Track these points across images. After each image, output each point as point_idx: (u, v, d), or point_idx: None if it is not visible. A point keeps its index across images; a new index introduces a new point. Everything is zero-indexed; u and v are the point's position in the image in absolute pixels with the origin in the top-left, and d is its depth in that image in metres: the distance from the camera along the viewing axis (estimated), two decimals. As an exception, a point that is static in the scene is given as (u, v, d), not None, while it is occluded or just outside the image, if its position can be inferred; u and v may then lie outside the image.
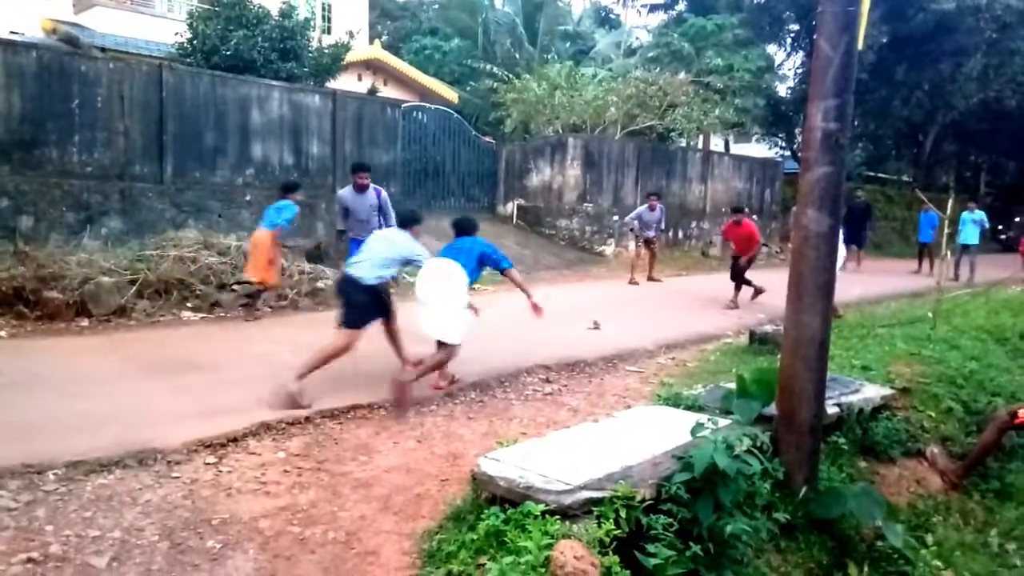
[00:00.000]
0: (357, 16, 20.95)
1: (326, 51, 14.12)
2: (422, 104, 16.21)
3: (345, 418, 4.82)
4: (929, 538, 4.31)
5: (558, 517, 2.98)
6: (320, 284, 9.36)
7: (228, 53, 12.13)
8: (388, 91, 19.82)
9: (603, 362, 6.98)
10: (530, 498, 3.08)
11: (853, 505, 3.77)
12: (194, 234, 9.36)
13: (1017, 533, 4.83)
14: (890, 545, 3.90)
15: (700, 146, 21.67)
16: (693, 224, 18.04)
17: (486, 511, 3.14)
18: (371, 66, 20.04)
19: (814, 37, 3.97)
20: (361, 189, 8.00)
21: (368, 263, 5.35)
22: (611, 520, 2.99)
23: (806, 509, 3.83)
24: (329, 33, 19.09)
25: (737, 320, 9.33)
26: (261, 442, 4.44)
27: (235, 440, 4.39)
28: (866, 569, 3.85)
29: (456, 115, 16.02)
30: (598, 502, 3.11)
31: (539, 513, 2.96)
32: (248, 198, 10.82)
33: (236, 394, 5.12)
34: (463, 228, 6.15)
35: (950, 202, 7.80)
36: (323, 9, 20.33)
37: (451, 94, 20.55)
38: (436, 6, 26.76)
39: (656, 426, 4.13)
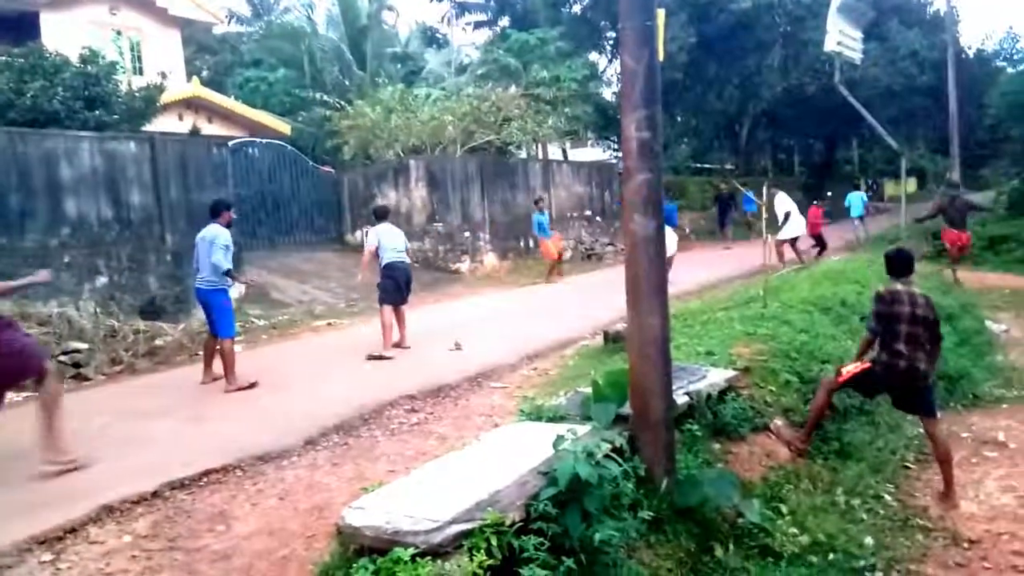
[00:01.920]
0: (170, 54, 19.89)
1: (138, 94, 13.31)
2: (252, 139, 15.62)
3: (196, 487, 4.51)
4: (784, 507, 4.60)
5: (430, 558, 2.92)
6: (159, 342, 8.76)
7: (26, 107, 11.15)
8: (214, 129, 18.94)
9: (468, 382, 6.98)
10: (398, 543, 2.99)
11: (710, 490, 3.96)
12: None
13: (860, 489, 5.26)
14: (750, 521, 4.13)
15: (539, 156, 22.30)
16: (542, 232, 18.48)
17: (355, 564, 3.02)
18: (192, 104, 19.07)
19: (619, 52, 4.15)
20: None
21: None
22: (483, 551, 2.97)
23: (669, 501, 3.98)
24: (141, 74, 18.00)
25: (593, 321, 9.62)
26: (103, 528, 4.06)
27: (73, 530, 3.98)
28: (731, 548, 4.05)
29: (290, 147, 15.58)
30: (469, 534, 3.07)
31: (409, 558, 2.88)
32: (67, 259, 9.94)
33: (70, 478, 4.67)
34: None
35: (764, 188, 8.43)
36: (132, 50, 19.13)
37: (283, 126, 19.94)
38: (256, 37, 25.90)
39: (521, 444, 4.16)
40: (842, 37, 8.47)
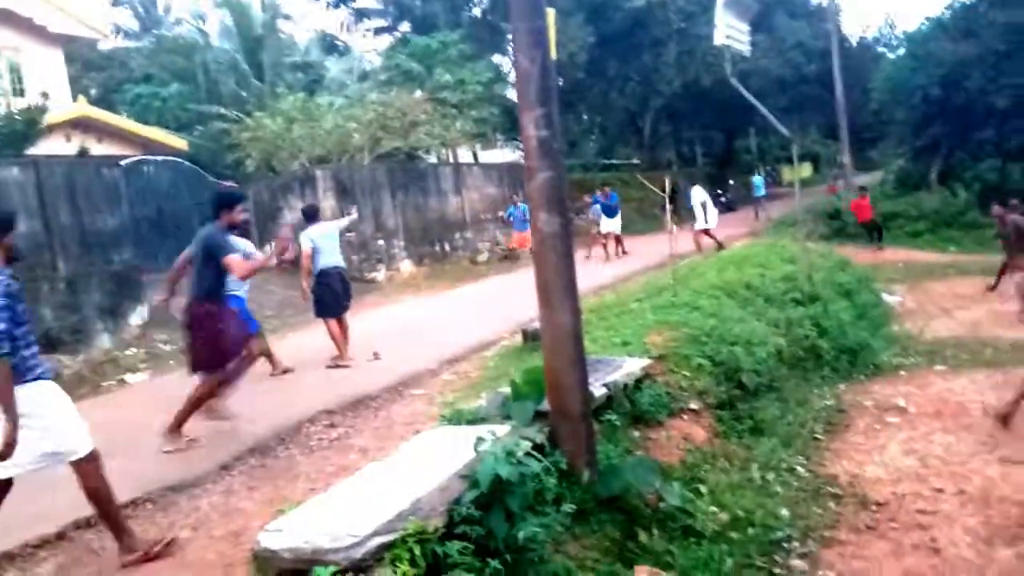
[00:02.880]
0: (53, 73, 18.85)
1: (18, 116, 12.56)
2: (146, 157, 14.96)
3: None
4: (703, 487, 4.72)
5: (351, 574, 2.85)
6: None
7: None
8: (104, 149, 18.07)
9: (388, 392, 6.90)
10: (318, 562, 2.91)
11: (631, 477, 4.03)
12: None
13: (773, 463, 5.46)
14: (671, 504, 4.22)
15: (450, 160, 22.25)
16: (457, 235, 18.46)
17: (275, 589, 2.93)
18: (80, 124, 18.13)
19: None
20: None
21: None
22: (406, 561, 2.92)
23: (592, 492, 4.02)
24: (22, 96, 16.99)
25: (512, 321, 9.64)
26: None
27: (-32, 582, 3.73)
28: (655, 532, 4.12)
29: (188, 164, 15.00)
30: (391, 545, 3.02)
31: (329, 576, 2.81)
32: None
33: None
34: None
35: (667, 180, 8.67)
36: (11, 71, 18.03)
37: (179, 142, 19.20)
38: (146, 52, 24.86)
39: (442, 449, 4.12)
40: (730, 30, 8.78)
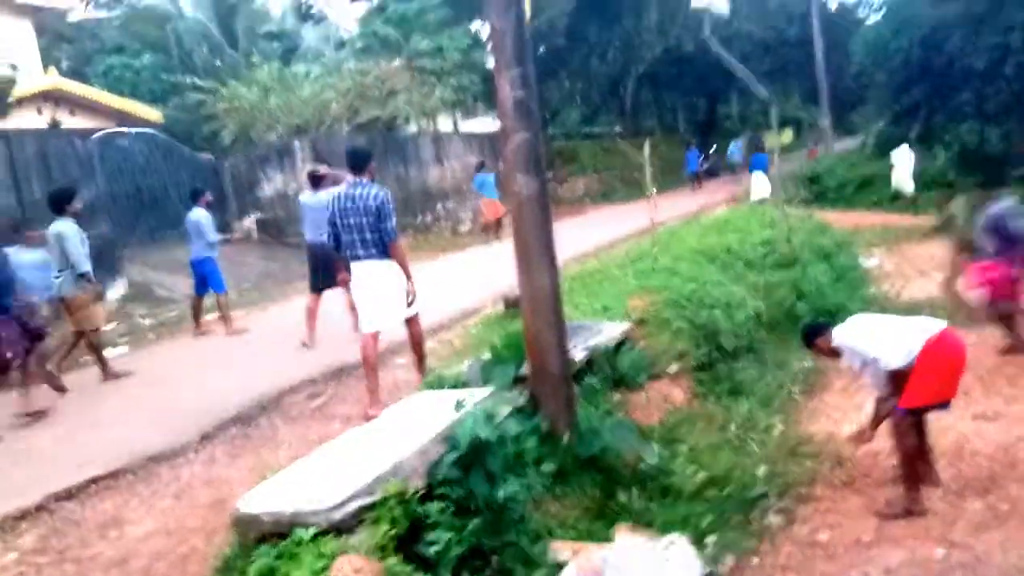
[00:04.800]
0: (23, 46, 18.38)
1: (-14, 88, 12.27)
2: (121, 130, 14.70)
3: (84, 495, 4.28)
4: (681, 447, 4.78)
5: (332, 535, 2.88)
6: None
7: None
8: (77, 122, 17.71)
9: (370, 361, 6.87)
10: (299, 524, 2.94)
11: (610, 438, 4.08)
12: None
13: (751, 423, 5.54)
14: (649, 464, 4.28)
15: (431, 129, 22.01)
16: (439, 206, 18.35)
17: (255, 552, 2.94)
18: (51, 97, 17.75)
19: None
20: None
21: None
22: (387, 521, 2.95)
23: (572, 453, 4.07)
24: (-10, 68, 16.55)
25: (496, 289, 9.62)
26: (-15, 548, 3.81)
27: (-49, 554, 3.73)
28: (634, 491, 4.19)
29: (163, 136, 14.75)
30: (371, 507, 3.05)
31: (311, 537, 2.83)
32: (-81, 272, 9.11)
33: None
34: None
35: (646, 147, 8.65)
36: (-25, 42, 17.56)
37: (153, 114, 18.83)
38: (117, 23, 24.25)
39: (423, 414, 4.14)
40: (708, -8, 8.74)
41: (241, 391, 5.95)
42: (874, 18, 30.62)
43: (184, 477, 4.43)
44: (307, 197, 7.82)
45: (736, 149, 23.98)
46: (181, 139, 16.06)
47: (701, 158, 24.61)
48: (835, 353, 4.71)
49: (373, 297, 5.11)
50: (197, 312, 8.89)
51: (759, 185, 17.58)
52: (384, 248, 5.00)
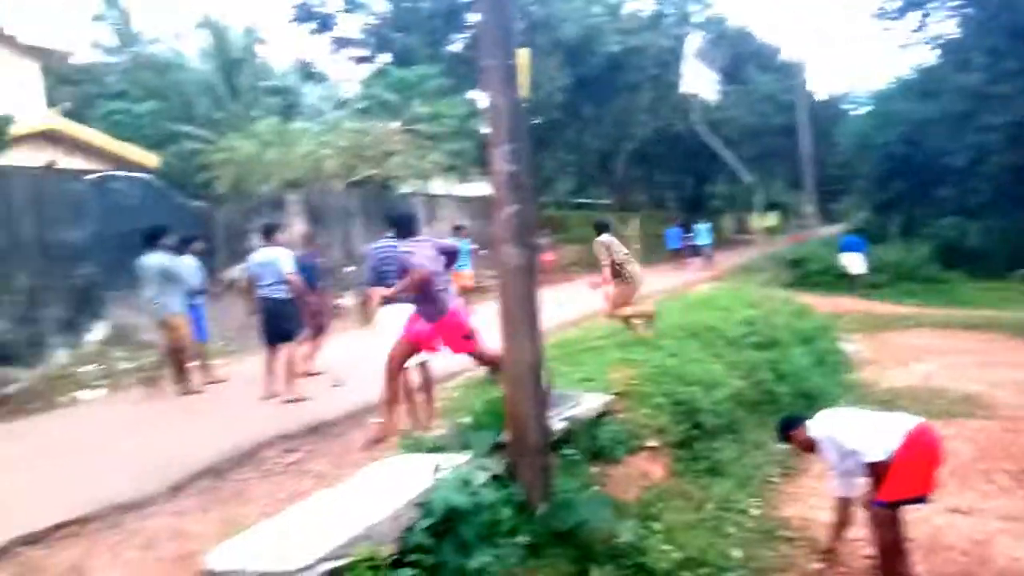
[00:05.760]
0: (27, 85, 18.64)
1: (-14, 125, 12.37)
2: (114, 173, 14.80)
3: (50, 541, 4.17)
4: (657, 525, 4.74)
5: (299, 598, 2.83)
6: (9, 389, 8.08)
7: None
8: (74, 162, 17.82)
9: (348, 418, 6.83)
10: (266, 585, 2.88)
11: (585, 512, 4.05)
12: None
13: (728, 504, 5.52)
14: (624, 541, 4.24)
15: (425, 191, 22.32)
16: (426, 266, 18.45)
17: (220, 611, 2.88)
18: (50, 137, 17.91)
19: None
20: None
21: None
22: (356, 587, 2.91)
23: (547, 525, 4.03)
24: (-9, 104, 16.74)
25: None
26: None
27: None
28: (608, 568, 4.13)
29: (158, 181, 14.87)
30: (341, 571, 3.00)
31: (277, 599, 2.78)
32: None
33: None
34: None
35: (634, 221, 8.81)
36: (-20, 81, 17.78)
37: (150, 159, 19.00)
38: (122, 68, 24.72)
39: (399, 477, 4.10)
40: (698, 78, 9.08)
41: (214, 442, 5.87)
42: (859, 111, 31.81)
43: (151, 528, 4.33)
44: (254, 254, 7.87)
45: (705, 231, 22.72)
46: (176, 186, 16.19)
47: (684, 236, 24.72)
48: (810, 446, 4.77)
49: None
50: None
51: (852, 263, 18.90)
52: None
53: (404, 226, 5.84)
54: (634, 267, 7.84)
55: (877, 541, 4.42)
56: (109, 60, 26.42)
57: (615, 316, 8.01)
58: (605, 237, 7.87)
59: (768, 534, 5.27)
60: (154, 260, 8.00)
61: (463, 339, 5.60)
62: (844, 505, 4.75)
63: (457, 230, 15.17)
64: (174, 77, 20.28)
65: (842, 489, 4.69)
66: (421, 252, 5.43)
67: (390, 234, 6.10)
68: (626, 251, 7.95)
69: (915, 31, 23.57)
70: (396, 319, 5.98)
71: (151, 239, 8.18)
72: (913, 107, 21.36)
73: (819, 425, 4.71)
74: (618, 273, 7.73)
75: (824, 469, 6.55)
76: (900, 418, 4.49)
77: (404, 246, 5.62)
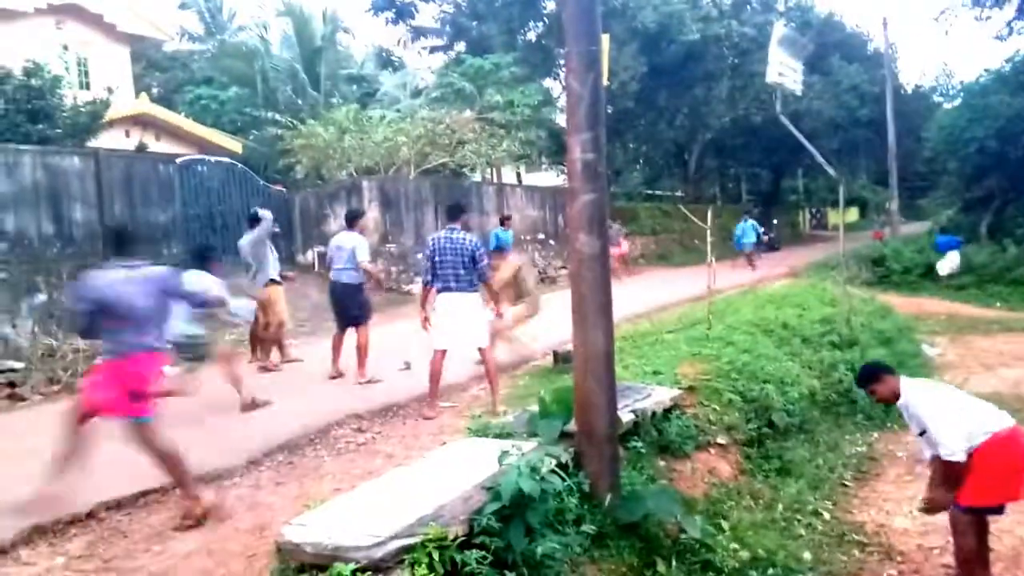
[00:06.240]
0: (119, 70, 19.57)
1: (83, 109, 13.05)
2: (201, 157, 15.40)
3: (133, 508, 4.41)
4: (725, 523, 4.68)
5: (370, 573, 2.90)
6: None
7: (-36, 118, 10.89)
8: (162, 146, 18.66)
9: (416, 402, 6.95)
10: (339, 558, 2.97)
11: (653, 505, 4.02)
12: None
13: (798, 505, 5.39)
14: (692, 536, 4.20)
15: (494, 179, 22.45)
16: (496, 254, 18.57)
17: (295, 581, 2.99)
18: (140, 121, 18.78)
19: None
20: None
21: None
22: (424, 565, 2.96)
23: (612, 516, 4.02)
24: (88, 89, 17.66)
25: (544, 342, 9.63)
26: (35, 549, 3.95)
27: (3, 551, 3.87)
28: (674, 563, 4.10)
29: (241, 166, 15.37)
30: (411, 549, 3.07)
31: (349, 573, 2.86)
32: (3, 276, 9.63)
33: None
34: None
35: (709, 214, 8.66)
36: (79, 65, 18.76)
37: (234, 144, 19.72)
38: (208, 55, 25.63)
39: (467, 460, 4.16)
40: (783, 68, 8.79)
41: (289, 421, 6.07)
42: (950, 104, 30.30)
43: (229, 499, 4.51)
44: (333, 238, 8.17)
45: (749, 229, 20.96)
46: (257, 170, 16.72)
47: (763, 230, 23.71)
48: (893, 398, 4.43)
49: (454, 322, 6.23)
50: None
51: (948, 262, 18.85)
52: (472, 284, 6.29)
53: (453, 215, 6.47)
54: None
55: (958, 548, 4.24)
56: (195, 47, 27.42)
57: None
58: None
59: (840, 538, 5.12)
60: (248, 240, 8.46)
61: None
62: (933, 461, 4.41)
63: (504, 221, 15.25)
64: (258, 64, 20.90)
65: (924, 453, 4.46)
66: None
67: (452, 225, 6.43)
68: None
69: (1014, 20, 22.30)
70: (457, 308, 6.20)
71: (253, 221, 8.56)
72: (1007, 100, 20.22)
73: (914, 388, 4.41)
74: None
75: (905, 468, 6.37)
76: (990, 413, 4.21)
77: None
